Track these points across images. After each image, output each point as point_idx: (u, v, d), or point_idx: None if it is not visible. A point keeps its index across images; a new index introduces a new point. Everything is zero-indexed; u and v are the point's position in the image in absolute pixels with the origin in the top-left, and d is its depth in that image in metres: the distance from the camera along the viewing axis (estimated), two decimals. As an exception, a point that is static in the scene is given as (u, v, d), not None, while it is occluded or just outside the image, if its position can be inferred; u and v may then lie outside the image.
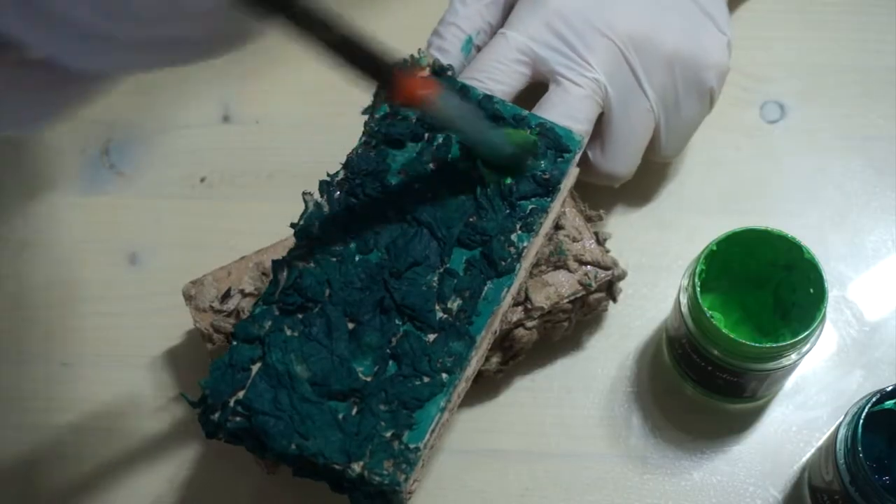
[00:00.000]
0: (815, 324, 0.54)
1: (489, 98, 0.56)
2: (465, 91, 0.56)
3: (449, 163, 0.55)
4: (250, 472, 0.60)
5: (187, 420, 0.63)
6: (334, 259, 0.53)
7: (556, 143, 0.55)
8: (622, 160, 0.61)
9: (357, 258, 0.53)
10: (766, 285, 0.60)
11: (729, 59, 0.62)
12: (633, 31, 0.59)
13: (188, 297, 0.60)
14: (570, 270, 0.59)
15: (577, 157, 0.56)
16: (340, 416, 0.50)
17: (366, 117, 0.57)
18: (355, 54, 0.43)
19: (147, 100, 0.72)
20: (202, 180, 0.70)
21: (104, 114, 0.72)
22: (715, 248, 0.56)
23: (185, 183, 0.70)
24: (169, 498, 0.62)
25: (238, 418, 0.50)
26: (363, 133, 0.56)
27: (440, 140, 0.55)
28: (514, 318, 0.58)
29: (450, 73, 0.57)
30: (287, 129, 0.71)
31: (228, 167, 0.70)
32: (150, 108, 0.72)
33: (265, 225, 0.61)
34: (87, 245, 0.68)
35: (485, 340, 0.53)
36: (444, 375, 0.50)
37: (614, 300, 0.62)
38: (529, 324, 0.58)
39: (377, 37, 0.74)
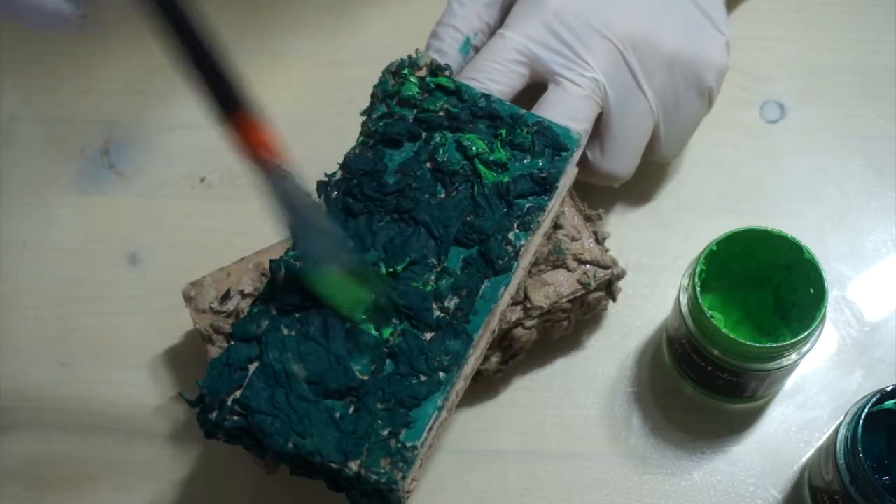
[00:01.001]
0: (815, 324, 0.54)
1: (487, 97, 0.56)
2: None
3: (446, 162, 0.55)
4: (249, 472, 0.60)
5: (187, 420, 0.63)
6: (332, 258, 0.53)
7: (553, 141, 0.55)
8: (622, 160, 0.61)
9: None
10: (766, 285, 0.59)
11: (727, 59, 0.62)
12: (632, 32, 0.59)
13: (188, 298, 0.60)
14: (569, 270, 0.59)
15: (576, 157, 0.56)
16: (337, 414, 0.50)
17: (365, 117, 0.57)
18: (213, 74, 0.43)
19: (147, 100, 0.72)
20: (202, 180, 0.70)
21: (104, 114, 0.72)
22: (715, 248, 0.56)
23: (185, 183, 0.70)
24: (169, 498, 0.62)
25: (235, 417, 0.50)
26: (361, 133, 0.56)
27: (437, 140, 0.55)
28: (514, 318, 0.58)
29: (447, 72, 0.57)
30: (287, 129, 0.71)
31: (228, 167, 0.70)
32: (150, 108, 0.72)
33: (265, 225, 0.60)
34: (87, 245, 0.68)
35: (483, 339, 0.53)
36: (442, 374, 0.50)
37: (614, 299, 0.62)
38: (529, 323, 0.58)
39: (377, 36, 0.74)
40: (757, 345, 0.55)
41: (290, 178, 0.48)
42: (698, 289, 0.55)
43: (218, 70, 0.43)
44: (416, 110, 0.56)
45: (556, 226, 0.59)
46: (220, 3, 0.75)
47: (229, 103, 0.45)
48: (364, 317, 0.51)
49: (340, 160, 0.55)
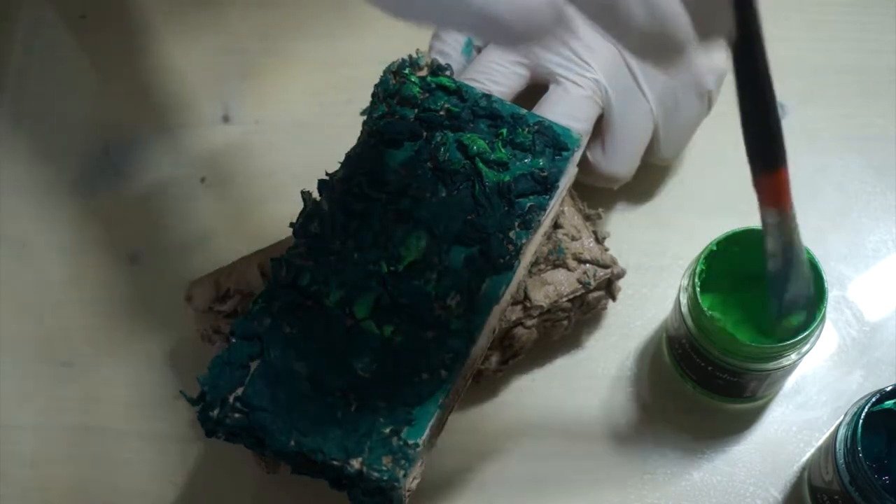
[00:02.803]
0: (815, 324, 0.54)
1: (488, 97, 0.56)
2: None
3: (447, 161, 0.55)
4: (250, 472, 0.60)
5: (187, 420, 0.63)
6: (333, 257, 0.53)
7: (554, 141, 0.55)
8: (622, 161, 0.61)
9: (355, 256, 0.53)
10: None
11: (727, 61, 0.62)
12: None
13: (188, 298, 0.60)
14: (569, 269, 0.59)
15: (577, 156, 0.56)
16: (339, 412, 0.50)
17: (365, 117, 0.57)
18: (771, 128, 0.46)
19: (147, 100, 0.72)
20: (202, 180, 0.70)
21: (104, 114, 0.72)
22: (715, 248, 0.56)
23: (185, 183, 0.70)
24: (169, 497, 0.62)
25: (237, 415, 0.50)
26: (362, 132, 0.56)
27: (438, 139, 0.55)
28: (514, 317, 0.58)
29: (448, 72, 0.57)
30: (287, 129, 0.71)
31: (228, 167, 0.70)
32: (150, 108, 0.72)
33: (265, 225, 0.61)
34: (87, 245, 0.68)
35: (483, 338, 0.53)
36: (443, 372, 0.51)
37: (613, 298, 0.62)
38: (529, 322, 0.58)
39: (377, 36, 0.74)
40: (757, 345, 0.55)
41: (796, 226, 0.50)
42: (698, 289, 0.55)
43: (774, 124, 0.46)
44: (417, 110, 0.56)
45: (556, 225, 0.59)
46: (221, 4, 0.75)
47: (776, 161, 0.47)
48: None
49: (341, 160, 0.56)
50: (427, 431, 0.50)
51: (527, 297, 0.58)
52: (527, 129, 0.55)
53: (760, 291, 0.59)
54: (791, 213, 0.48)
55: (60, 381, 0.65)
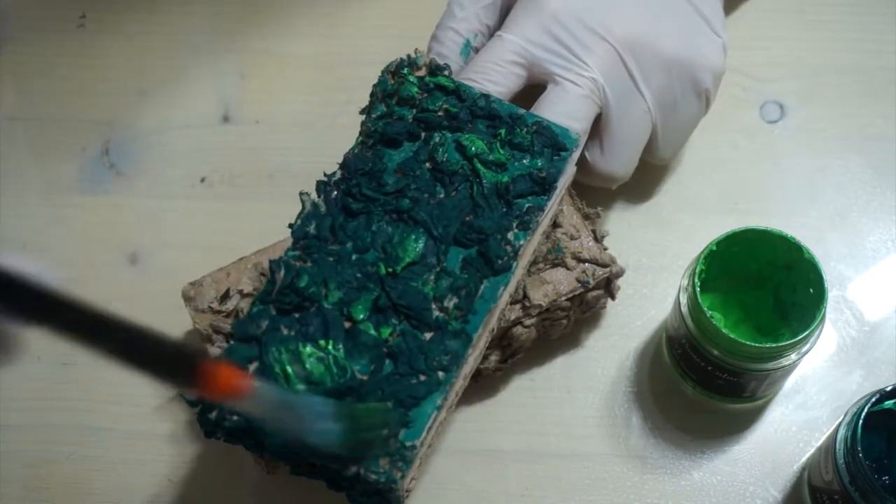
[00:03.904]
0: (815, 324, 0.54)
1: (486, 97, 0.56)
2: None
3: (445, 162, 0.55)
4: (249, 472, 0.60)
5: (187, 420, 0.63)
6: (331, 258, 0.53)
7: (552, 141, 0.55)
8: (620, 161, 0.61)
9: (354, 257, 0.53)
10: (766, 285, 0.59)
11: (724, 61, 0.62)
12: (630, 34, 0.59)
13: (187, 298, 0.60)
14: (568, 268, 0.59)
15: (575, 156, 0.56)
16: (337, 414, 0.50)
17: (363, 117, 0.57)
18: (146, 355, 0.39)
19: (147, 100, 0.72)
20: (202, 180, 0.70)
21: (104, 114, 0.72)
22: (715, 248, 0.56)
23: (185, 183, 0.70)
24: (168, 497, 0.62)
25: (235, 417, 0.50)
26: (360, 133, 0.56)
27: (436, 139, 0.55)
28: (513, 317, 0.58)
29: (447, 72, 0.57)
30: (287, 129, 0.71)
31: (228, 167, 0.70)
32: (150, 108, 0.72)
33: (265, 225, 0.61)
34: (87, 245, 0.68)
35: (482, 339, 0.53)
36: (441, 374, 0.50)
37: (612, 297, 0.62)
38: (528, 322, 0.58)
39: (377, 36, 0.74)
40: (757, 345, 0.55)
41: (267, 392, 0.46)
42: (698, 289, 0.55)
43: (156, 349, 0.40)
44: (416, 110, 0.56)
45: (555, 224, 0.59)
46: (220, 4, 0.75)
47: (188, 369, 0.40)
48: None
49: (340, 160, 0.55)
50: (424, 433, 0.50)
51: (526, 296, 0.58)
52: (525, 130, 0.55)
53: (760, 291, 0.59)
54: (249, 389, 0.43)
55: (60, 381, 0.65)
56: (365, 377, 0.50)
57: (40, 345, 0.65)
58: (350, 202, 0.54)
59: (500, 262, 0.53)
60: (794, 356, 0.56)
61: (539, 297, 0.58)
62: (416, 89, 0.56)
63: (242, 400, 0.43)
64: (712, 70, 0.61)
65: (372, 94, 0.57)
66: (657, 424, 0.62)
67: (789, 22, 0.72)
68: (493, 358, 0.60)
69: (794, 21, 0.72)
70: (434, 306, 0.52)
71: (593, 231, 0.60)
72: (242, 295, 0.60)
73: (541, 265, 0.59)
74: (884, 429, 0.53)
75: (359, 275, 0.52)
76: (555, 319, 0.60)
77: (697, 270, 0.56)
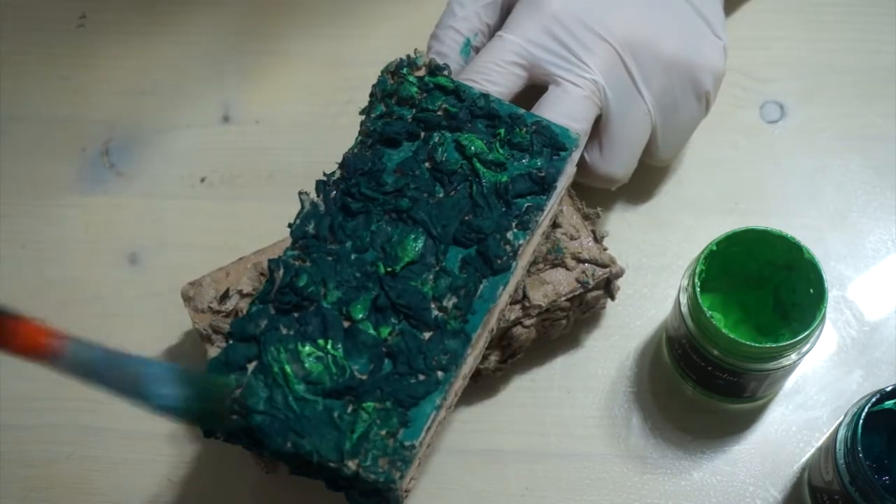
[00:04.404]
0: (815, 324, 0.54)
1: (486, 97, 0.56)
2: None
3: (444, 161, 0.55)
4: (249, 471, 0.60)
5: (187, 420, 0.63)
6: (330, 258, 0.53)
7: (552, 141, 0.55)
8: (620, 162, 0.61)
9: (353, 257, 0.53)
10: (766, 285, 0.59)
11: (725, 63, 0.62)
12: (631, 35, 0.59)
13: (187, 298, 0.60)
14: (567, 268, 0.59)
15: (575, 157, 0.56)
16: (335, 414, 0.50)
17: (363, 117, 0.57)
18: None
19: (147, 100, 0.72)
20: (202, 180, 0.70)
21: (104, 114, 0.72)
22: (715, 248, 0.56)
23: (185, 183, 0.70)
24: (168, 497, 0.62)
25: (234, 417, 0.50)
26: (359, 133, 0.56)
27: (436, 139, 0.55)
28: (513, 317, 0.58)
29: (446, 72, 0.57)
30: (287, 129, 0.71)
31: (228, 167, 0.70)
32: (150, 108, 0.72)
33: (265, 225, 0.61)
34: (87, 245, 0.68)
35: (481, 339, 0.53)
36: (440, 373, 0.50)
37: (612, 298, 0.62)
38: (528, 322, 0.58)
39: (377, 36, 0.74)
40: (757, 345, 0.55)
41: (84, 352, 0.45)
42: (698, 289, 0.55)
43: None
44: (415, 110, 0.56)
45: (555, 224, 0.59)
46: (221, 4, 0.75)
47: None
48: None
49: (339, 160, 0.56)
50: (423, 433, 0.50)
51: (525, 296, 0.58)
52: (525, 129, 0.55)
53: (760, 291, 0.59)
54: (61, 347, 0.43)
55: (60, 381, 0.65)
56: (364, 376, 0.50)
57: (40, 345, 0.66)
58: (349, 202, 0.54)
59: (499, 261, 0.53)
60: (794, 356, 0.56)
61: (539, 297, 0.58)
62: (415, 89, 0.56)
63: (51, 359, 0.42)
64: (712, 72, 0.61)
65: (371, 94, 0.57)
66: (657, 424, 0.62)
67: (789, 22, 0.72)
68: (493, 358, 0.60)
69: (794, 21, 0.72)
70: (433, 306, 0.52)
71: (593, 231, 0.60)
72: (242, 295, 0.60)
73: (540, 265, 0.59)
74: (884, 429, 0.53)
75: (358, 274, 0.52)
76: (555, 320, 0.60)
77: (697, 270, 0.56)
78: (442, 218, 0.53)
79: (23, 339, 0.41)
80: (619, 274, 0.60)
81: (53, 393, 0.65)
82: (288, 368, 0.50)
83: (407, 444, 0.49)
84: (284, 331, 0.51)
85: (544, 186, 0.54)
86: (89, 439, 0.64)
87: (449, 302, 0.52)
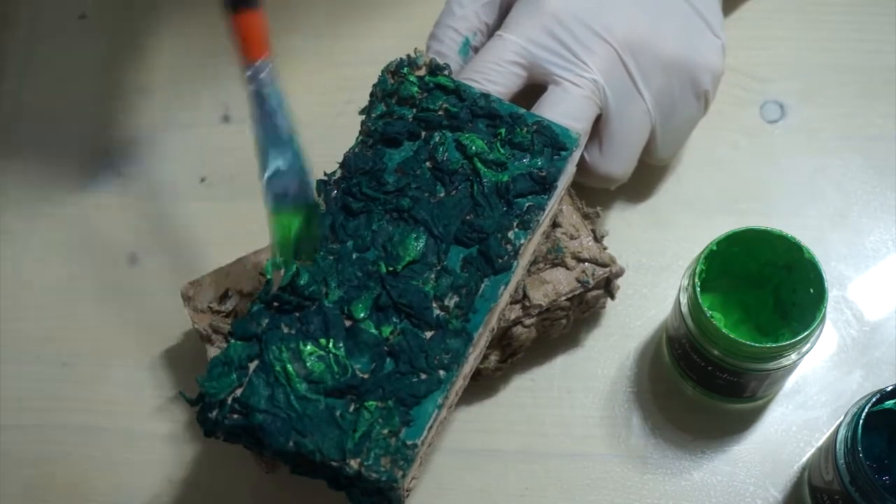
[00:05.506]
0: (815, 324, 0.54)
1: (486, 96, 0.56)
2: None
3: (445, 161, 0.55)
4: (249, 471, 0.60)
5: (186, 419, 0.63)
6: (331, 257, 0.53)
7: (552, 140, 0.55)
8: (619, 162, 0.61)
9: (354, 256, 0.53)
10: (766, 285, 0.59)
11: (723, 62, 0.62)
12: (630, 35, 0.59)
13: (186, 298, 0.60)
14: (567, 268, 0.59)
15: (576, 156, 0.56)
16: (337, 413, 0.50)
17: (363, 117, 0.57)
18: None
19: (147, 100, 0.72)
20: (202, 180, 0.70)
21: (104, 114, 0.72)
22: (715, 248, 0.56)
23: (185, 183, 0.70)
24: (168, 497, 0.62)
25: (235, 416, 0.50)
26: (360, 132, 0.56)
27: (437, 139, 0.55)
28: (513, 316, 0.58)
29: (447, 72, 0.57)
30: (287, 128, 0.71)
31: (228, 167, 0.70)
32: (150, 108, 0.72)
33: (265, 225, 0.61)
34: (87, 245, 0.68)
35: (482, 338, 0.53)
36: (442, 372, 0.51)
37: (612, 297, 0.62)
38: (528, 321, 0.58)
39: (377, 36, 0.74)
40: (757, 345, 0.55)
41: (273, 85, 0.52)
42: (698, 289, 0.55)
43: None
44: (416, 109, 0.56)
45: (555, 224, 0.59)
46: (220, 4, 0.75)
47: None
48: (283, 259, 0.52)
49: (340, 160, 0.56)
50: (425, 432, 0.50)
51: (525, 295, 0.58)
52: (525, 129, 0.55)
53: (760, 291, 0.59)
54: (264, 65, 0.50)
55: (60, 381, 0.65)
56: (365, 376, 0.50)
57: (40, 345, 0.66)
58: (350, 201, 0.54)
59: (500, 261, 0.53)
60: (794, 356, 0.56)
61: (539, 296, 0.58)
62: (416, 89, 0.56)
63: (249, 69, 0.50)
64: (711, 71, 0.61)
65: (372, 94, 0.57)
66: (657, 424, 0.62)
67: (789, 22, 0.72)
68: (493, 358, 0.60)
69: (794, 21, 0.72)
70: (435, 305, 0.52)
71: (593, 231, 0.60)
72: (242, 295, 0.60)
73: (541, 265, 0.59)
74: (884, 429, 0.53)
75: (359, 273, 0.52)
76: (555, 319, 0.60)
77: (697, 270, 0.56)
78: (443, 217, 0.53)
79: (247, 38, 0.48)
80: (619, 273, 0.60)
81: (53, 393, 0.65)
82: (290, 367, 0.50)
83: (409, 443, 0.49)
84: (286, 330, 0.51)
85: (545, 186, 0.54)
86: (89, 439, 0.64)
87: (450, 301, 0.52)
